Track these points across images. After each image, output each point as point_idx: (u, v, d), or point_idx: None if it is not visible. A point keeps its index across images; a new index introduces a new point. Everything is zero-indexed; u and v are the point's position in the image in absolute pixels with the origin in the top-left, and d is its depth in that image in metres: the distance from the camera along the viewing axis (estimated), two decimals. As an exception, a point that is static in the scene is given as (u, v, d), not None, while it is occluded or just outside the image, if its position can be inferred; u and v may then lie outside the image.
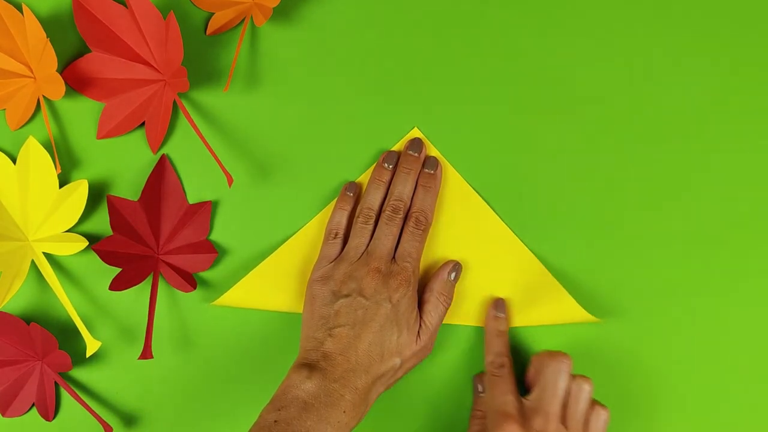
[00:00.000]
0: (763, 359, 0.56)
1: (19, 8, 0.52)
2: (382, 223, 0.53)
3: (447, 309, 0.54)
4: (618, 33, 0.56)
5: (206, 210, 0.55)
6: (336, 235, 0.54)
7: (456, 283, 0.54)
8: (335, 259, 0.53)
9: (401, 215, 0.53)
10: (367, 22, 0.56)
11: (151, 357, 0.53)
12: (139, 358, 0.53)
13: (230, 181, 0.52)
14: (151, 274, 0.55)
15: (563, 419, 0.50)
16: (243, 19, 0.55)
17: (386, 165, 0.54)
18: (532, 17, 0.56)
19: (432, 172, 0.54)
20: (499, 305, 0.55)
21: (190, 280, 0.55)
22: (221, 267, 0.56)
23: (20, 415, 0.55)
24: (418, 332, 0.52)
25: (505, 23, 0.56)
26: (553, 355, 0.52)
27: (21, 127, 0.54)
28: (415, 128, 0.55)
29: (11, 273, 0.53)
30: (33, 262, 0.54)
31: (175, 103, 0.54)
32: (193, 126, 0.52)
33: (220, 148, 0.55)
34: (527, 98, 0.56)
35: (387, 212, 0.53)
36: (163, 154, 0.55)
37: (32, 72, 0.53)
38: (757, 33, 0.56)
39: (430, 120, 0.56)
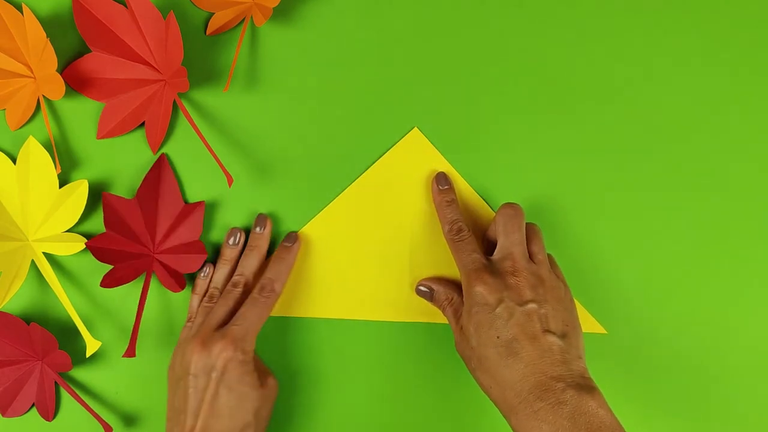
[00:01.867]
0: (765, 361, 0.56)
1: (19, 8, 0.52)
2: (220, 299, 0.53)
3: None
4: (618, 32, 0.56)
5: (200, 210, 0.55)
6: (189, 319, 0.54)
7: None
8: None
9: (240, 289, 0.53)
10: (367, 22, 0.55)
11: (134, 356, 0.52)
12: (123, 356, 0.53)
13: (230, 181, 0.52)
14: (144, 272, 0.55)
15: (530, 256, 0.51)
16: (243, 19, 0.55)
17: (231, 242, 0.55)
18: (532, 17, 0.56)
19: (289, 245, 0.54)
20: (440, 179, 0.55)
21: (179, 280, 0.55)
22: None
23: (20, 415, 0.55)
24: (262, 380, 0.51)
25: (506, 23, 0.56)
26: (503, 206, 0.52)
27: (21, 127, 0.54)
28: (415, 128, 0.55)
29: (11, 273, 0.53)
30: (33, 262, 0.54)
31: (175, 103, 0.54)
32: (193, 126, 0.52)
33: (220, 148, 0.55)
34: (528, 98, 0.56)
35: (227, 287, 0.53)
36: (162, 153, 0.55)
37: (32, 72, 0.53)
38: (757, 33, 0.56)
39: (430, 120, 0.56)
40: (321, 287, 0.56)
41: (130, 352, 0.52)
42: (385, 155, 0.55)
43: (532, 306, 0.48)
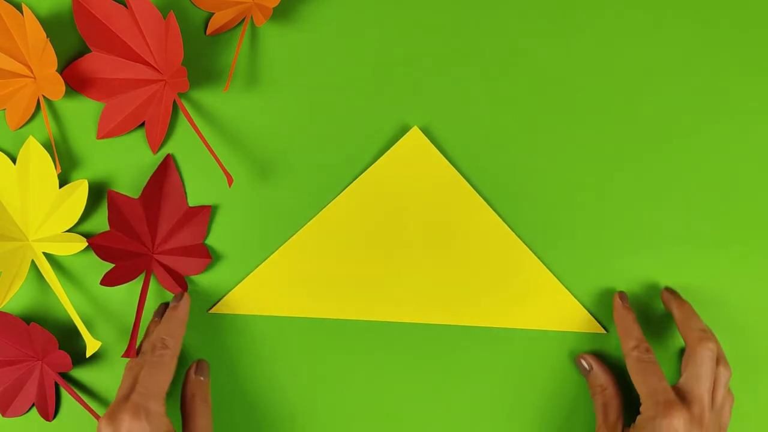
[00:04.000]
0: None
1: (19, 8, 0.52)
2: (126, 367, 0.53)
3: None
4: (617, 32, 0.56)
5: (205, 214, 0.55)
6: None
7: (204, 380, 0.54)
8: None
9: (148, 354, 0.52)
10: (367, 22, 0.55)
11: (135, 356, 0.52)
12: (122, 356, 0.53)
13: (230, 181, 0.52)
14: (144, 272, 0.55)
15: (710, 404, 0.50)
16: (243, 19, 0.55)
17: (156, 318, 0.55)
18: (532, 16, 0.56)
19: (176, 304, 0.54)
20: (623, 295, 0.55)
21: (180, 282, 0.55)
22: (215, 271, 0.56)
23: (20, 415, 0.55)
24: None
25: (505, 22, 0.56)
26: (702, 339, 0.51)
27: (21, 127, 0.54)
28: (415, 127, 0.55)
29: (11, 273, 0.53)
30: (33, 262, 0.54)
31: (175, 103, 0.54)
32: (193, 126, 0.52)
33: (220, 148, 0.55)
34: (529, 97, 0.56)
35: (140, 352, 0.53)
36: (169, 154, 0.55)
37: (32, 72, 0.53)
38: (757, 33, 0.56)
39: (430, 119, 0.56)
40: (320, 287, 0.56)
41: (130, 352, 0.52)
42: (384, 155, 0.55)
43: None
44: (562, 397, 0.56)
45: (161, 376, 0.51)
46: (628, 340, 0.53)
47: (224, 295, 0.56)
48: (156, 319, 0.55)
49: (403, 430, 0.56)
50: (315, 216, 0.55)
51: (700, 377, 0.50)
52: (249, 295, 0.55)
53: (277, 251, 0.55)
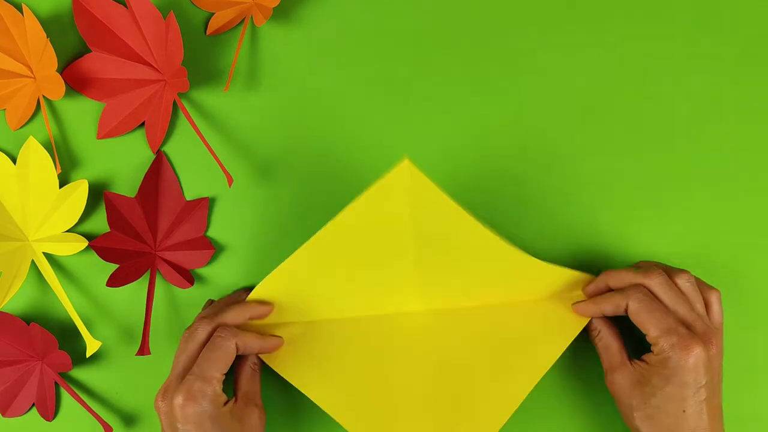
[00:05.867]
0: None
1: (19, 8, 0.52)
2: (182, 338, 0.51)
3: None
4: (617, 31, 0.56)
5: (203, 206, 0.55)
6: None
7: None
8: None
9: (206, 328, 0.50)
10: (367, 22, 0.55)
11: (149, 353, 0.53)
12: (136, 354, 0.53)
13: (230, 181, 0.52)
14: (149, 270, 0.55)
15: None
16: (243, 19, 0.55)
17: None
18: (531, 18, 0.56)
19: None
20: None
21: (187, 277, 0.55)
22: (219, 264, 0.56)
23: (20, 415, 0.55)
24: (242, 420, 0.50)
25: (505, 23, 0.56)
26: (650, 282, 0.50)
27: (21, 127, 0.54)
28: (406, 158, 0.48)
29: (11, 273, 0.53)
30: (33, 262, 0.54)
31: (175, 103, 0.54)
32: (193, 126, 0.52)
33: (220, 148, 0.55)
34: (527, 100, 0.56)
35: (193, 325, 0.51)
36: (161, 151, 0.55)
37: (32, 72, 0.53)
38: (757, 34, 0.56)
39: (430, 119, 0.56)
40: (329, 293, 0.53)
41: (144, 350, 0.52)
42: (369, 189, 0.49)
43: None
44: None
45: (222, 358, 0.49)
46: (619, 300, 0.50)
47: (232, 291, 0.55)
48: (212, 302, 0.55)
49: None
50: (317, 225, 0.51)
51: (682, 304, 0.50)
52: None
53: (284, 262, 0.52)
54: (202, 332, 0.50)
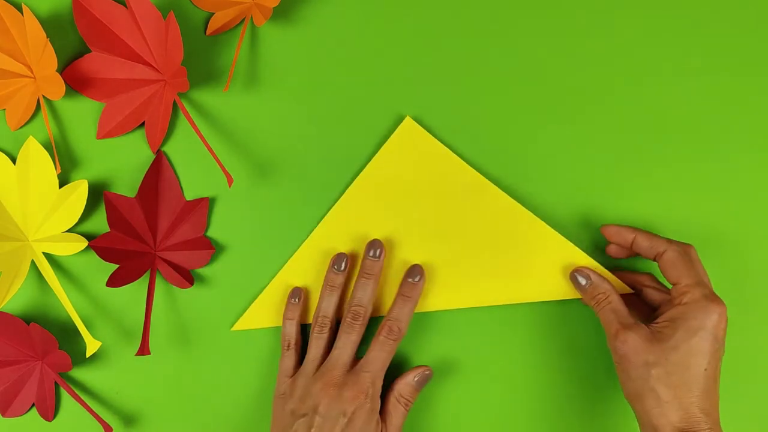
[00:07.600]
0: None
1: (19, 8, 0.52)
2: (341, 332, 0.52)
3: (407, 411, 0.53)
4: (616, 30, 0.56)
5: (203, 206, 0.55)
6: (288, 346, 0.54)
7: (419, 388, 0.54)
8: (293, 373, 0.53)
9: (361, 321, 0.52)
10: (367, 22, 0.56)
11: (149, 353, 0.53)
12: (136, 354, 0.53)
13: (230, 181, 0.52)
14: (148, 270, 0.55)
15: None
16: (243, 19, 0.55)
17: (336, 268, 0.54)
18: (530, 14, 0.56)
19: (414, 281, 0.53)
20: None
21: (187, 277, 0.55)
22: (219, 264, 0.56)
23: (20, 415, 0.55)
24: (386, 424, 0.52)
25: (505, 22, 0.56)
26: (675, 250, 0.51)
27: (21, 127, 0.54)
28: (407, 117, 0.54)
29: (11, 273, 0.53)
30: (33, 262, 0.54)
31: (175, 103, 0.54)
32: (193, 126, 0.52)
33: (220, 148, 0.55)
34: (528, 96, 0.56)
35: (348, 320, 0.52)
36: (160, 151, 0.55)
37: (32, 72, 0.53)
38: (757, 34, 0.56)
39: (430, 119, 0.56)
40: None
41: (144, 350, 0.52)
42: (381, 149, 0.55)
43: None
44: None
45: (389, 359, 0.51)
46: (658, 244, 0.51)
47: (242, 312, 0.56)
48: (335, 270, 0.54)
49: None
50: (321, 221, 0.55)
51: (702, 276, 0.51)
52: (268, 308, 0.55)
53: (290, 259, 0.55)
54: (359, 325, 0.52)
